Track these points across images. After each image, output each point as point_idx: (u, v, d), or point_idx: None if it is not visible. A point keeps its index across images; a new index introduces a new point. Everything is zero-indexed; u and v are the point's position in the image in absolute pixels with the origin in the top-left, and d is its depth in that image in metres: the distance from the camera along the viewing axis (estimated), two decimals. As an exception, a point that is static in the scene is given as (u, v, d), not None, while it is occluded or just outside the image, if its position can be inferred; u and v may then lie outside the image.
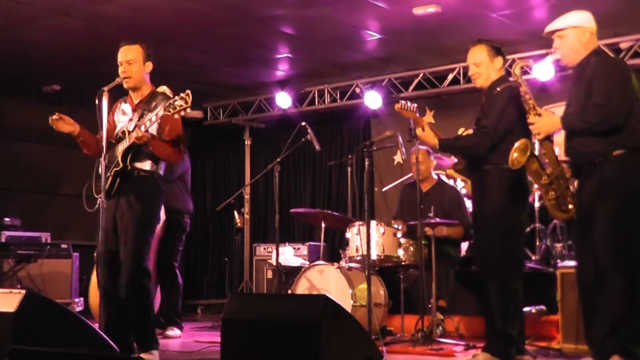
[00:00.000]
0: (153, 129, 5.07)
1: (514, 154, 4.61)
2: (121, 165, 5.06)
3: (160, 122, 5.06)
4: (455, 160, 5.40)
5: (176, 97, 4.86)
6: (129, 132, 5.07)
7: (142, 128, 4.99)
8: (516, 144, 4.61)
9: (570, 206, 4.58)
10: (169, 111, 4.84)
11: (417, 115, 5.27)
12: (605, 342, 4.36)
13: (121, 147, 5.10)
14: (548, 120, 4.61)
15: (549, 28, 4.67)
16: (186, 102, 4.81)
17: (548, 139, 4.64)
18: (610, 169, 4.37)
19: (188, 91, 4.81)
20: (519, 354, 5.02)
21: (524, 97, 4.70)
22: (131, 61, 5.18)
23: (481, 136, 4.98)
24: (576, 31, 4.56)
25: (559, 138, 4.72)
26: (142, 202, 5.12)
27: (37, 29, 7.99)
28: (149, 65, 5.24)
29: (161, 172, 5.27)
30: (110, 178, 5.08)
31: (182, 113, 4.83)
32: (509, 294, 4.91)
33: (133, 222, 5.09)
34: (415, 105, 5.32)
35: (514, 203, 4.94)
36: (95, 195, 5.23)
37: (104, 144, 4.95)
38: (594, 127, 4.36)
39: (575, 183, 4.71)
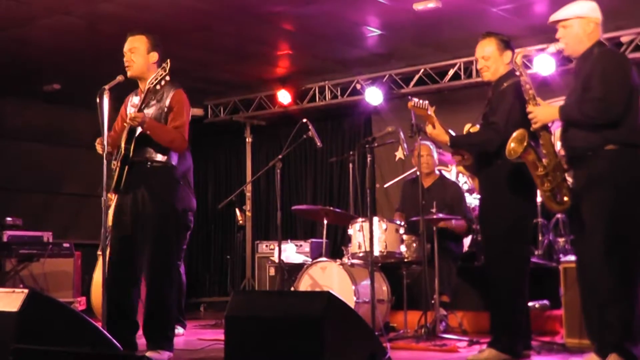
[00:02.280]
0: (157, 117, 5.10)
1: (511, 144, 4.57)
2: (123, 152, 5.04)
3: (166, 109, 5.11)
4: (458, 157, 5.37)
5: (158, 70, 5.04)
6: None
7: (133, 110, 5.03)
8: (514, 134, 4.58)
9: (566, 198, 4.52)
10: (152, 83, 4.99)
11: (429, 112, 5.22)
12: (602, 338, 4.35)
13: (124, 134, 5.09)
14: (546, 110, 4.57)
15: (553, 17, 4.60)
16: (165, 70, 4.98)
17: (546, 130, 4.59)
18: (600, 164, 4.32)
19: (168, 60, 5.00)
20: (525, 349, 5.02)
21: (524, 86, 4.65)
22: (133, 49, 5.19)
23: (492, 133, 4.95)
24: (581, 21, 4.50)
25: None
26: (157, 194, 5.09)
27: (37, 28, 7.98)
28: (154, 56, 5.22)
29: (174, 162, 5.20)
30: (117, 169, 5.04)
31: (163, 82, 4.99)
32: (514, 290, 4.90)
33: (150, 216, 5.05)
34: (427, 102, 5.26)
35: (522, 198, 4.94)
36: (112, 192, 5.22)
37: (105, 143, 4.94)
38: (592, 120, 4.32)
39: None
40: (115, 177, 5.03)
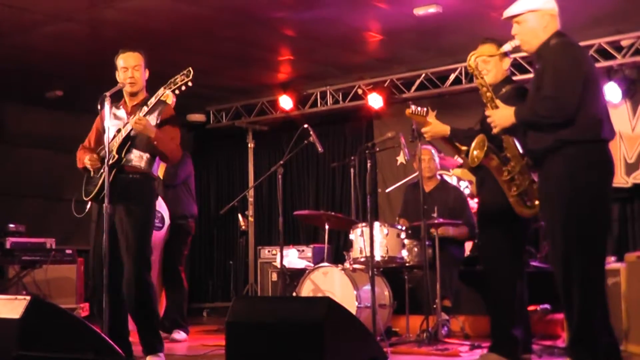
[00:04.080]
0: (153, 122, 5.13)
1: (474, 152, 4.49)
2: (116, 156, 5.06)
3: (159, 123, 5.14)
4: (461, 161, 5.35)
5: (177, 75, 5.05)
6: (125, 126, 5.10)
7: (141, 114, 5.02)
8: (475, 141, 4.53)
9: (536, 202, 4.45)
10: (171, 87, 5.03)
11: (428, 119, 5.17)
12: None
13: (117, 140, 5.10)
14: (504, 113, 4.42)
15: (507, 13, 4.45)
16: (187, 76, 5.00)
17: (509, 133, 4.49)
18: (556, 165, 4.19)
19: (189, 68, 5.01)
20: (526, 353, 5.02)
21: (481, 89, 4.58)
22: (137, 67, 5.23)
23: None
24: (535, 15, 4.35)
25: None
26: (139, 206, 5.15)
27: (39, 35, 8.00)
28: (147, 72, 5.32)
29: (155, 172, 5.30)
30: (104, 174, 5.03)
31: (183, 88, 5.02)
32: (512, 293, 4.90)
33: (132, 227, 5.10)
34: (425, 109, 5.22)
35: None
36: (84, 199, 5.25)
37: (107, 149, 4.95)
38: (545, 120, 4.18)
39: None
40: (99, 184, 5.05)
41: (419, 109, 5.16)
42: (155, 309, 5.29)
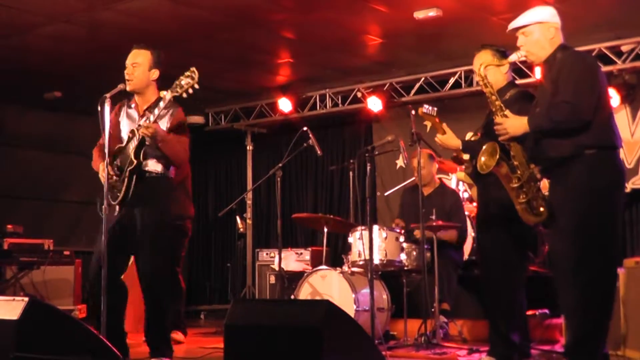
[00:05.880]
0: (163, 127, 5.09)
1: (482, 158, 4.48)
2: (135, 162, 5.02)
3: (168, 126, 5.09)
4: (464, 165, 5.33)
5: (181, 77, 4.92)
6: (138, 129, 5.04)
7: (151, 119, 4.96)
8: (484, 147, 4.51)
9: (542, 209, 4.42)
10: (177, 91, 4.92)
11: (437, 120, 5.16)
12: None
13: (132, 145, 5.05)
14: (515, 122, 4.42)
15: (512, 25, 4.49)
16: (192, 79, 4.90)
17: (517, 141, 4.48)
18: (578, 171, 4.21)
19: (193, 68, 4.90)
20: (524, 358, 5.02)
21: (489, 97, 4.56)
22: (135, 64, 5.16)
23: None
24: (541, 27, 4.40)
25: None
26: (157, 204, 5.12)
27: (38, 36, 8.00)
28: (155, 73, 5.20)
29: (172, 174, 5.26)
30: (126, 180, 5.04)
31: (190, 91, 4.91)
32: (512, 298, 4.90)
33: (147, 226, 5.07)
34: (436, 109, 5.22)
35: None
36: (112, 203, 5.16)
37: (106, 150, 4.92)
38: (561, 124, 4.19)
39: (545, 184, 4.58)
40: (124, 190, 5.02)
41: (430, 108, 5.15)
42: (166, 312, 5.23)
